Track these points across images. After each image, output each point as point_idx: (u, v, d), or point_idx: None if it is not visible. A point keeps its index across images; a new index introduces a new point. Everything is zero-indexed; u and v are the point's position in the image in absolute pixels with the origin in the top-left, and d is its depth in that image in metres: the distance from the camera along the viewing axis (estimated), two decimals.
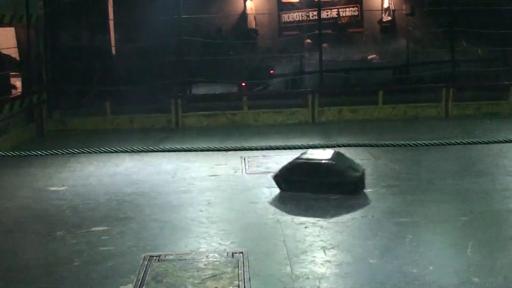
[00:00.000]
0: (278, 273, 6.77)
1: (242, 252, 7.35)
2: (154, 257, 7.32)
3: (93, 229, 8.49)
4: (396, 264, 6.87)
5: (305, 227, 8.16)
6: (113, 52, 17.68)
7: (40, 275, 7.11)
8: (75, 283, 6.82)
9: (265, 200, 9.48)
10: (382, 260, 7.01)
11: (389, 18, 19.82)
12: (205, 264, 7.04)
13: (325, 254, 7.24)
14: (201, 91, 17.26)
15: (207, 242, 7.80)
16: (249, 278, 6.63)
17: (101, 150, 3.27)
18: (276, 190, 9.91)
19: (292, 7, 19.79)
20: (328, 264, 6.96)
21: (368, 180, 10.09)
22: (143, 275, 6.81)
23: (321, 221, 8.37)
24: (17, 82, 16.08)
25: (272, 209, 9.03)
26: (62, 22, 16.82)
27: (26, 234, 8.52)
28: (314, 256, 7.18)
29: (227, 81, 17.15)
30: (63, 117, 16.52)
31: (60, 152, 3.09)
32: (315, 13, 17.62)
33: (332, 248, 7.42)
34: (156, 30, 16.25)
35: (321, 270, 6.80)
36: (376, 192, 9.73)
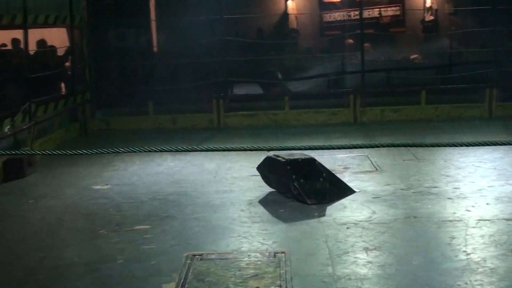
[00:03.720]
0: (320, 273, 6.76)
1: (284, 252, 7.35)
2: (196, 256, 7.36)
3: (136, 227, 8.56)
4: (439, 266, 6.83)
5: (347, 228, 8.14)
6: (155, 52, 17.78)
7: (84, 273, 7.18)
8: (118, 281, 6.88)
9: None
10: (425, 262, 6.98)
11: (432, 17, 19.68)
12: (247, 264, 7.06)
13: (367, 255, 7.22)
14: (242, 91, 17.29)
15: (249, 242, 7.82)
16: (291, 278, 6.64)
17: (144, 149, 3.31)
18: None
19: (333, 6, 19.74)
20: (370, 265, 6.94)
21: (410, 181, 10.05)
22: (185, 274, 6.85)
23: (363, 222, 8.34)
24: (61, 82, 16.24)
25: (314, 209, 9.01)
26: (104, 23, 16.96)
27: (70, 232, 8.62)
28: (356, 257, 7.16)
29: (268, 81, 17.15)
30: (106, 117, 16.66)
31: (104, 151, 3.13)
32: (357, 12, 17.52)
33: (374, 249, 7.39)
34: (197, 31, 16.30)
35: (363, 271, 6.78)
36: (419, 193, 9.68)
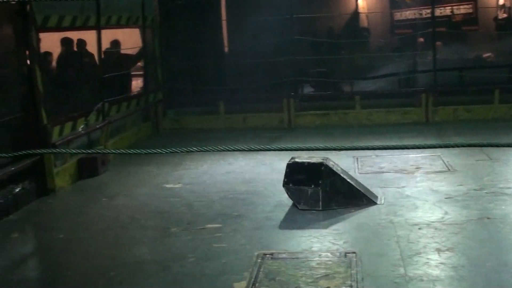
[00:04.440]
0: (391, 274, 6.72)
1: (354, 252, 7.33)
2: (267, 255, 7.38)
3: (207, 226, 8.62)
4: None
5: (419, 229, 8.06)
6: (226, 51, 17.88)
7: (156, 270, 7.27)
8: (189, 279, 6.95)
9: (378, 200, 9.42)
10: (498, 264, 6.87)
11: (505, 15, 19.35)
12: (317, 263, 7.06)
13: (440, 256, 7.14)
14: (312, 90, 17.26)
15: (319, 241, 7.81)
16: (362, 278, 6.61)
17: (215, 148, 3.35)
18: (390, 190, 9.84)
19: (404, 5, 19.57)
20: (442, 266, 6.87)
21: (483, 181, 9.93)
22: (256, 273, 6.88)
23: (435, 223, 8.25)
24: (134, 82, 16.46)
25: (385, 209, 8.95)
26: (176, 23, 17.11)
27: (142, 229, 8.74)
28: (428, 258, 7.09)
29: (339, 80, 17.10)
30: (178, 116, 16.80)
31: (176, 150, 3.18)
32: (428, 11, 17.33)
33: (447, 250, 7.31)
34: (268, 30, 16.33)
35: (436, 272, 6.71)
36: (492, 193, 9.53)
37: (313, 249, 7.57)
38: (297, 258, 7.26)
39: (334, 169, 9.29)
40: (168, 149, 3.27)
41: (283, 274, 6.80)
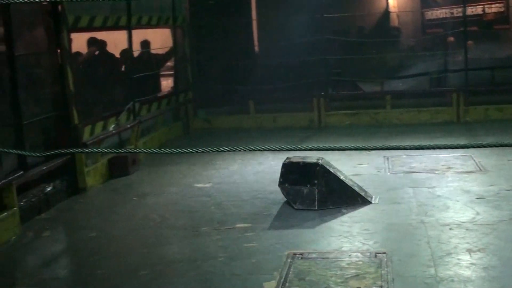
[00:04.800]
0: (422, 274, 6.69)
1: (385, 253, 7.30)
2: (297, 255, 7.38)
3: (237, 225, 8.64)
4: None
5: (450, 229, 8.02)
6: (256, 51, 17.88)
7: (186, 269, 7.30)
8: (219, 278, 6.96)
9: (408, 200, 9.38)
10: None
11: None
12: (348, 264, 7.04)
13: (471, 256, 7.10)
14: (343, 90, 17.21)
15: (349, 241, 7.79)
16: (392, 279, 6.59)
17: (246, 148, 3.36)
18: (421, 190, 9.80)
19: (435, 4, 19.44)
20: (473, 267, 6.82)
21: None
22: (286, 272, 6.88)
23: (466, 223, 8.20)
24: (164, 82, 16.52)
25: (416, 209, 8.91)
26: (206, 23, 17.13)
27: (172, 229, 8.77)
28: (459, 259, 7.05)
29: (369, 79, 17.03)
30: (208, 116, 16.83)
31: (207, 150, 3.19)
32: (460, 10, 17.21)
33: (478, 250, 7.26)
34: (298, 29, 16.31)
35: (467, 273, 6.67)
36: None
37: (343, 249, 7.56)
38: (327, 258, 7.26)
39: (330, 169, 9.35)
40: (199, 149, 3.28)
41: (313, 274, 6.80)
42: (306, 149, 3.53)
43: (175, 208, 9.70)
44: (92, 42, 13.27)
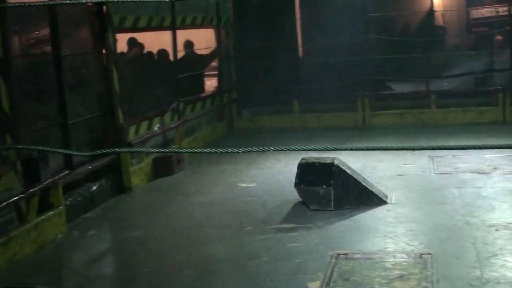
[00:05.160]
0: (467, 276, 6.63)
1: (430, 253, 7.25)
2: (341, 255, 7.36)
3: (281, 225, 8.64)
4: None
5: (496, 230, 7.93)
6: (300, 51, 17.86)
7: (230, 269, 7.32)
8: (264, 278, 6.97)
9: (454, 201, 9.30)
10: None
11: None
12: (392, 264, 7.01)
13: None
14: (388, 89, 17.12)
15: (394, 242, 7.75)
16: (437, 280, 6.54)
17: (290, 148, 3.37)
18: (466, 191, 9.71)
19: (481, 3, 19.24)
20: None
21: None
22: (330, 273, 6.87)
23: None
24: (208, 81, 16.58)
25: (462, 210, 8.83)
26: (250, 23, 17.15)
27: (217, 228, 8.80)
28: (505, 260, 6.97)
29: (414, 79, 16.90)
30: (252, 115, 16.86)
31: (251, 149, 3.21)
32: (505, 8, 17.00)
33: None
34: (342, 29, 16.26)
35: None
36: None
37: (388, 249, 7.52)
38: (372, 258, 7.23)
39: (345, 169, 9.36)
40: (244, 148, 3.29)
41: (357, 275, 6.77)
42: (349, 149, 3.53)
43: (220, 208, 9.73)
44: (136, 42, 13.39)
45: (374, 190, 9.43)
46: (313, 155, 9.66)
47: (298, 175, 9.46)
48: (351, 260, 7.21)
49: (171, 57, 13.63)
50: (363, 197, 9.30)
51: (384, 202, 9.35)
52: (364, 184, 9.40)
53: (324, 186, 9.16)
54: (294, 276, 6.93)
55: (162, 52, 13.98)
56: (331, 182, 9.14)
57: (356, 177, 9.38)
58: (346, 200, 9.21)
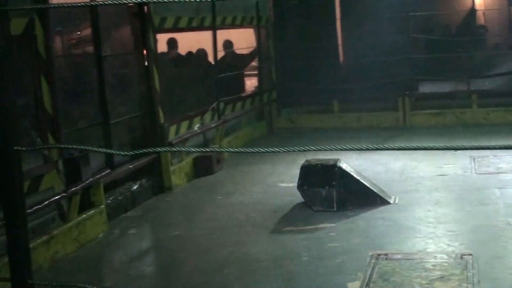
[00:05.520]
0: (509, 277, 6.58)
1: (471, 254, 7.19)
2: (381, 256, 7.34)
3: (321, 225, 8.63)
4: None
5: None
6: (340, 50, 17.81)
7: (270, 268, 7.33)
8: (303, 277, 6.98)
9: (495, 202, 9.21)
10: None
11: None
12: (433, 265, 6.96)
13: None
14: (428, 89, 17.01)
15: (435, 243, 7.70)
16: (478, 281, 6.49)
17: (329, 147, 3.37)
18: (508, 191, 9.62)
19: None
20: None
21: None
22: (370, 273, 6.85)
23: None
24: (248, 81, 16.61)
25: (503, 211, 8.75)
26: (290, 22, 17.16)
27: (257, 228, 8.82)
28: None
29: (455, 79, 16.78)
30: (292, 115, 16.86)
31: (294, 149, 3.21)
32: None
33: None
34: (383, 28, 16.19)
35: None
36: None
37: (428, 250, 7.48)
38: (412, 259, 7.19)
39: (348, 170, 9.41)
40: (284, 148, 3.30)
41: (397, 275, 6.75)
42: (389, 149, 3.51)
43: (259, 208, 9.74)
44: (176, 42, 13.44)
45: (377, 191, 9.48)
46: (315, 158, 9.95)
47: (301, 177, 9.58)
48: (391, 261, 7.18)
49: (211, 57, 13.67)
50: (366, 197, 9.37)
51: (388, 203, 9.38)
52: (367, 184, 9.48)
53: (327, 187, 9.25)
54: (333, 276, 6.92)
55: (202, 52, 14.03)
56: (334, 183, 9.23)
57: (359, 178, 9.46)
58: (349, 201, 9.28)
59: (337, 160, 9.50)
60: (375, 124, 16.14)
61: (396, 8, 16.18)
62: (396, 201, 9.46)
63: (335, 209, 9.14)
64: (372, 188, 9.47)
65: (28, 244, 3.77)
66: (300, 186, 9.55)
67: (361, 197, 9.33)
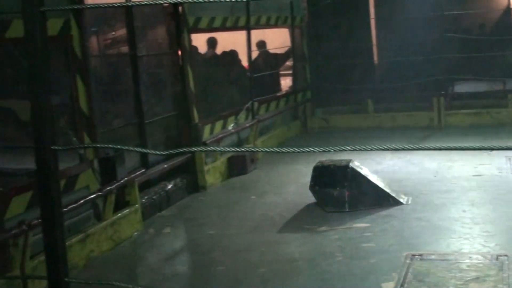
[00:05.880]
0: None
1: (506, 255, 7.13)
2: (416, 256, 7.30)
3: (356, 225, 8.61)
4: None
5: None
6: (375, 50, 17.75)
7: (304, 268, 7.34)
8: (337, 277, 6.97)
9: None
10: None
11: None
12: (468, 266, 6.92)
13: None
14: (463, 89, 16.89)
15: (470, 243, 7.65)
16: None
17: (364, 147, 3.36)
18: None
19: None
20: None
21: None
22: (404, 274, 6.82)
23: None
24: (283, 81, 16.62)
25: None
26: (324, 22, 17.13)
27: (291, 227, 8.83)
28: None
29: (491, 78, 16.64)
30: (326, 115, 16.83)
31: (330, 149, 3.21)
32: None
33: None
34: (417, 28, 16.10)
35: None
36: None
37: (463, 251, 7.43)
38: (447, 259, 7.15)
39: (360, 171, 9.39)
40: (319, 148, 3.29)
41: (432, 276, 6.71)
42: (424, 149, 3.50)
43: (293, 207, 9.74)
44: (211, 42, 13.50)
45: (389, 191, 9.45)
46: (329, 159, 10.03)
47: (313, 178, 9.62)
48: (426, 261, 7.15)
49: (245, 57, 13.70)
50: (379, 198, 9.36)
51: (400, 203, 9.36)
52: (379, 185, 9.46)
53: (338, 188, 9.26)
54: (367, 276, 6.91)
55: (236, 52, 14.07)
56: (346, 184, 9.23)
57: (371, 179, 9.44)
58: (361, 202, 9.28)
59: (349, 161, 9.51)
60: (410, 124, 16.05)
61: (431, 8, 16.10)
62: (409, 202, 9.44)
63: (347, 210, 9.17)
64: (384, 188, 9.47)
65: (64, 243, 3.79)
66: (312, 187, 9.61)
67: (373, 197, 9.34)
